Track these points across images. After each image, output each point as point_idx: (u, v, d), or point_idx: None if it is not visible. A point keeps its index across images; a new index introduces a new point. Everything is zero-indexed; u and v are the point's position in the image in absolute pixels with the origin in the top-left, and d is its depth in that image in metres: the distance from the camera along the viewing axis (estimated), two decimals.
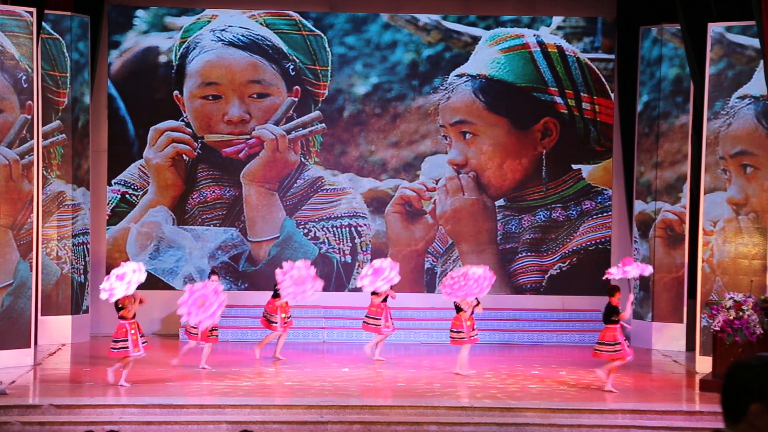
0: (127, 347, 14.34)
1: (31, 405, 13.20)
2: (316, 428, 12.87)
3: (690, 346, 17.61)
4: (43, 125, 17.54)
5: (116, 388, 14.19)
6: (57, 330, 17.90)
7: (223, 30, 19.54)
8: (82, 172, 18.34)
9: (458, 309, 15.64)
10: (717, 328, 14.69)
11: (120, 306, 14.49)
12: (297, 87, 19.55)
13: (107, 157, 19.39)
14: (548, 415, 13.23)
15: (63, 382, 15.08)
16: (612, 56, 19.61)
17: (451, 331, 15.72)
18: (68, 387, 14.64)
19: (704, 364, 15.69)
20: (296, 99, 19.57)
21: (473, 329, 15.67)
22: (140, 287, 14.77)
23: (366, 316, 16.90)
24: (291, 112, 19.59)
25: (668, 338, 18.18)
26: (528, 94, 19.64)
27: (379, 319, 16.75)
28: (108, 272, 19.04)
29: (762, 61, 15.04)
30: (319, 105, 19.62)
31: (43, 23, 16.84)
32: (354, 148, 19.66)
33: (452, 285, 15.34)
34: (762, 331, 14.48)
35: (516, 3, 19.67)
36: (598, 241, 19.71)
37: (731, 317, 14.56)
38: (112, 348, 14.51)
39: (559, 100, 19.65)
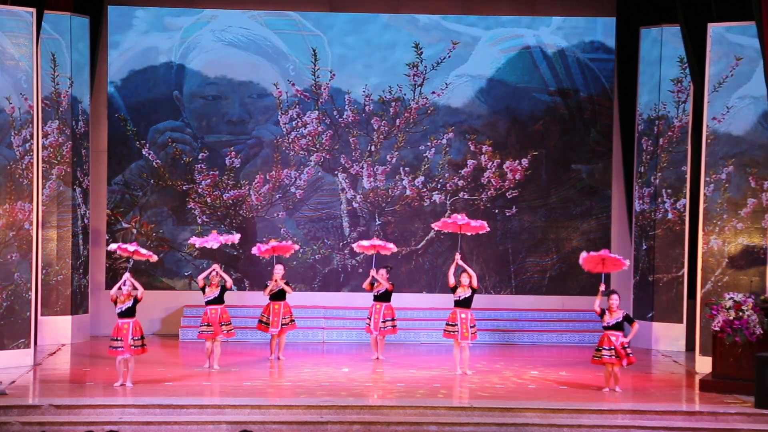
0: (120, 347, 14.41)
1: (31, 405, 13.19)
2: (316, 428, 12.87)
3: (690, 346, 17.60)
4: (43, 125, 17.55)
5: (116, 389, 14.19)
6: (57, 330, 17.91)
7: (223, 30, 19.55)
8: (82, 172, 18.35)
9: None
10: (717, 328, 14.69)
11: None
12: (297, 87, 19.56)
13: (107, 157, 19.41)
14: (548, 415, 13.23)
15: (63, 382, 15.07)
16: (612, 56, 19.62)
17: (447, 324, 15.70)
18: (68, 387, 14.63)
19: (704, 364, 15.69)
20: (296, 99, 19.59)
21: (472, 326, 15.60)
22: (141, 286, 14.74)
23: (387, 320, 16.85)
24: (291, 112, 19.60)
25: (668, 338, 18.18)
26: (528, 94, 19.65)
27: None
28: (108, 272, 19.18)
29: (762, 61, 15.05)
30: (320, 105, 19.63)
31: (43, 23, 16.84)
32: (354, 148, 19.66)
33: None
34: (762, 331, 14.48)
35: (516, 3, 19.68)
36: (598, 241, 19.70)
37: (731, 317, 14.55)
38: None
39: (559, 100, 19.67)
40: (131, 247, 14.87)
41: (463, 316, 15.53)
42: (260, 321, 16.79)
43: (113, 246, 15.21)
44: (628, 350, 14.50)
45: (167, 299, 19.25)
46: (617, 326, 14.51)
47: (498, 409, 13.36)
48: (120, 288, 14.48)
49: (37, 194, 16.40)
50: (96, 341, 18.28)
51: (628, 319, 14.60)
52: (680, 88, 18.18)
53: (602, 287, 14.73)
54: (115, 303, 14.48)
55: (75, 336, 18.11)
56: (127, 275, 14.59)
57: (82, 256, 18.32)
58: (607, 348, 14.46)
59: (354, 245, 17.30)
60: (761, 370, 13.57)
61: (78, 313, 18.22)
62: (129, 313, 14.45)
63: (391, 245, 16.90)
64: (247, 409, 13.26)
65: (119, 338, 14.39)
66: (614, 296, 14.59)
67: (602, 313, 14.59)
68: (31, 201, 15.81)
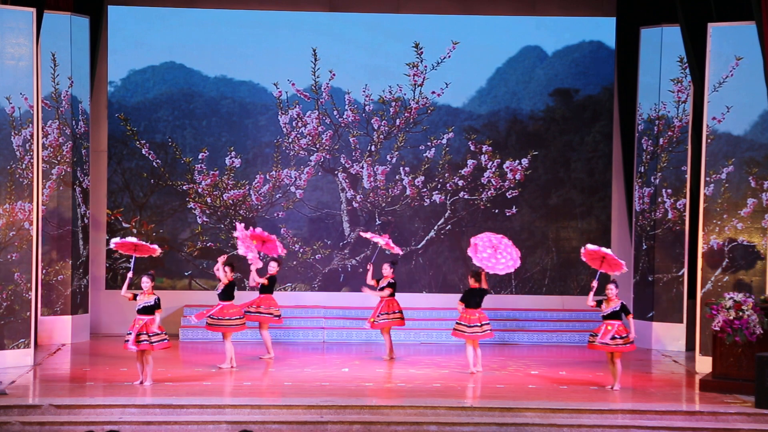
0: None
1: (31, 405, 13.20)
2: (316, 428, 12.87)
3: (690, 346, 17.61)
4: (43, 125, 17.55)
5: (116, 388, 14.20)
6: (57, 330, 17.91)
7: (223, 30, 19.53)
8: (82, 172, 18.35)
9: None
10: (717, 328, 14.69)
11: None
12: (297, 87, 19.56)
13: (107, 157, 19.41)
14: (548, 415, 13.24)
15: (63, 382, 15.07)
16: (612, 56, 19.62)
17: (457, 323, 15.70)
18: (68, 387, 14.63)
19: (704, 364, 15.70)
20: (296, 99, 19.58)
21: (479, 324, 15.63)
22: (137, 286, 14.75)
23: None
24: (291, 112, 19.60)
25: (668, 338, 18.18)
26: (528, 94, 19.65)
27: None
28: (108, 272, 19.20)
29: (762, 61, 15.05)
30: (320, 105, 19.63)
31: (43, 23, 16.84)
32: (354, 148, 19.67)
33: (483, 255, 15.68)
34: (762, 331, 14.48)
35: (516, 3, 19.68)
36: (598, 241, 19.69)
37: (731, 317, 14.56)
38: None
39: (559, 99, 19.67)
40: (132, 239, 14.98)
41: (476, 316, 15.59)
42: (260, 313, 16.84)
43: (115, 241, 15.22)
44: (628, 338, 14.57)
45: (167, 299, 19.11)
46: (614, 315, 14.61)
47: (498, 409, 13.37)
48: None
49: (37, 194, 16.40)
50: (96, 341, 18.28)
51: (624, 310, 14.68)
52: (680, 88, 18.18)
53: (594, 284, 14.79)
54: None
55: (75, 336, 18.11)
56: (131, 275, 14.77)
57: (82, 256, 18.32)
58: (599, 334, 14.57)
59: (367, 235, 17.31)
60: (761, 370, 13.57)
61: (78, 313, 18.22)
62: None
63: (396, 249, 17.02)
64: (247, 409, 13.27)
65: (130, 332, 14.50)
66: (611, 285, 14.67)
67: (599, 304, 14.70)
68: (31, 201, 15.81)
